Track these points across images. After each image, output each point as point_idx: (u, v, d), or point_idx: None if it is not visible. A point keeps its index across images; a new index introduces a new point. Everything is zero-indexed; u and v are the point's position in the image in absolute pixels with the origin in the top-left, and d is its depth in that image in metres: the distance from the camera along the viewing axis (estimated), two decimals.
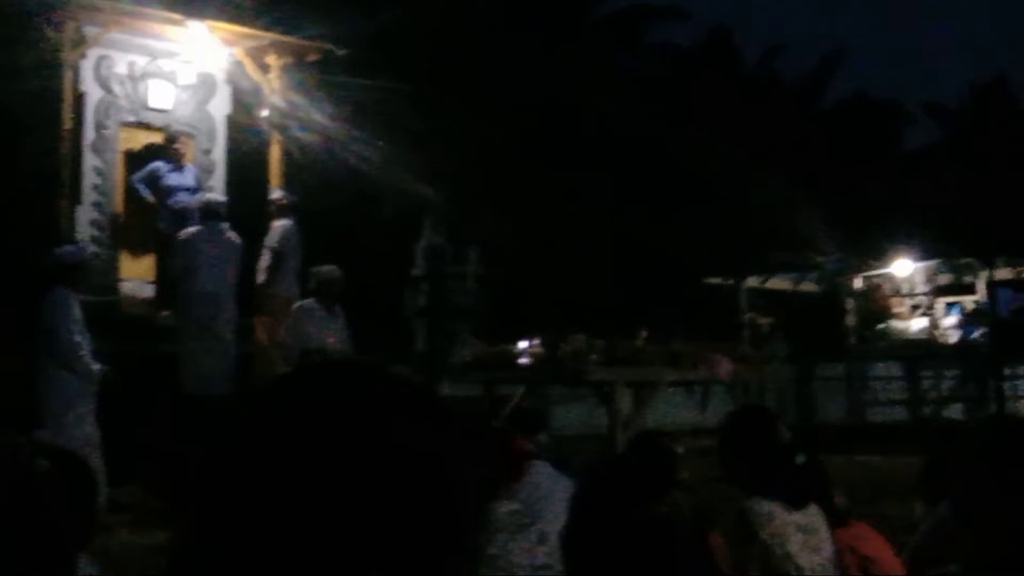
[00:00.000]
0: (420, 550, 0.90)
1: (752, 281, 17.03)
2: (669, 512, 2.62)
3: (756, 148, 23.46)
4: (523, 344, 10.34)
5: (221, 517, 0.91)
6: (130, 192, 11.35)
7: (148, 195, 11.03)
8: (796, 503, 3.90)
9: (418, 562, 0.90)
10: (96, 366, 8.44)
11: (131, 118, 11.48)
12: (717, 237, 19.61)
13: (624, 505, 2.55)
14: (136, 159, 11.55)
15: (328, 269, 9.77)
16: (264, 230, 10.81)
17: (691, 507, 3.01)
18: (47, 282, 8.55)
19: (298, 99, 12.24)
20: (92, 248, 10.48)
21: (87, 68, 11.13)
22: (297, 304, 9.88)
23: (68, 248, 9.01)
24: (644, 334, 10.84)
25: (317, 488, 0.89)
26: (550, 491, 4.43)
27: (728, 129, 23.67)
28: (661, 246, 20.43)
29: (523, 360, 10.23)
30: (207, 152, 11.96)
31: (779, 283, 17.66)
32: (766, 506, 3.83)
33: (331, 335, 9.54)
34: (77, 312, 8.43)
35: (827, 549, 3.96)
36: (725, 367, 10.48)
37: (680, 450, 3.60)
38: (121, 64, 11.36)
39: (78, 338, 8.42)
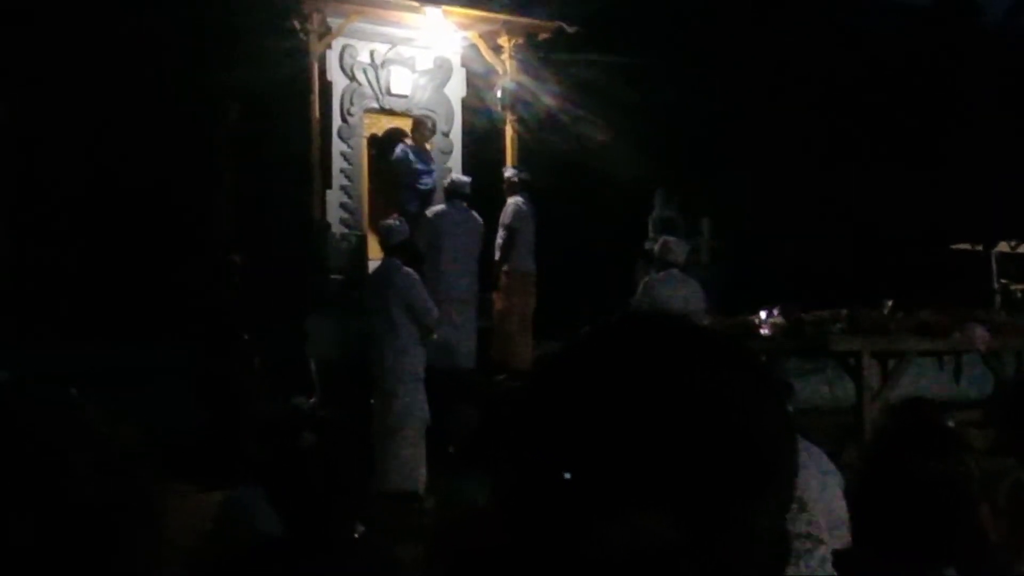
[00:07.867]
0: (722, 491, 0.93)
1: (1003, 246, 16.14)
2: (955, 472, 2.58)
3: (1000, 106, 22.13)
4: (763, 314, 10.17)
5: (539, 456, 0.95)
6: (375, 175, 11.82)
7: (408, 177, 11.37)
8: None
9: (720, 501, 0.93)
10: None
11: (374, 104, 11.89)
12: (964, 201, 18.67)
13: (908, 463, 2.53)
14: (378, 144, 12.02)
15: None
16: (499, 207, 11.04)
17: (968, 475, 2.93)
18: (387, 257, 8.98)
19: (528, 78, 12.44)
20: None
21: (332, 58, 11.59)
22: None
23: (393, 224, 9.31)
24: (890, 303, 10.46)
25: (630, 425, 0.93)
26: (804, 460, 4.38)
27: (970, 86, 22.43)
28: (904, 212, 19.62)
29: (764, 331, 10.06)
30: (445, 134, 12.30)
31: None
32: None
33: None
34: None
35: None
36: (981, 336, 9.98)
37: (950, 422, 3.48)
38: (363, 52, 11.79)
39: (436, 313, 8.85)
